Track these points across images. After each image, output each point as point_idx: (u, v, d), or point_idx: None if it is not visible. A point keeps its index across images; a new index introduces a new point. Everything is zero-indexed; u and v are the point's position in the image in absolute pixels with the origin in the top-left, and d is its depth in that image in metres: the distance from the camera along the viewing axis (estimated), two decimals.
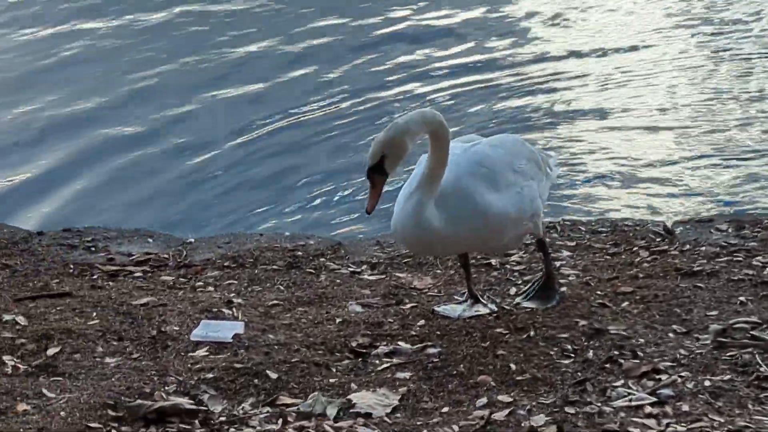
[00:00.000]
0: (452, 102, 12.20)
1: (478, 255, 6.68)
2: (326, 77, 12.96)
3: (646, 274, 6.50)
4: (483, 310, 5.86)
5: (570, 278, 6.55)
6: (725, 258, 6.63)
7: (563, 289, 6.35)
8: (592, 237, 7.17)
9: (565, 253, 6.93)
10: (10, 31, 15.33)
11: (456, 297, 6.24)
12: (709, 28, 14.66)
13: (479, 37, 14.63)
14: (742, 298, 6.03)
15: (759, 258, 6.59)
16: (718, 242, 6.89)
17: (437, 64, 13.74)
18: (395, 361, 5.54)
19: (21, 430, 4.86)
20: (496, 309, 5.90)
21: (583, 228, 7.35)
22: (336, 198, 9.11)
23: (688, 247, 6.87)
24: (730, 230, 7.10)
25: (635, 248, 6.92)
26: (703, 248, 6.81)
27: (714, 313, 5.85)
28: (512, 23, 15.30)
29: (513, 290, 6.44)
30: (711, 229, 7.17)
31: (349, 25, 15.51)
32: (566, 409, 4.91)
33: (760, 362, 5.20)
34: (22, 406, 5.11)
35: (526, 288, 6.11)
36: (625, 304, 6.08)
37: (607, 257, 6.84)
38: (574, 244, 7.08)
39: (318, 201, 9.13)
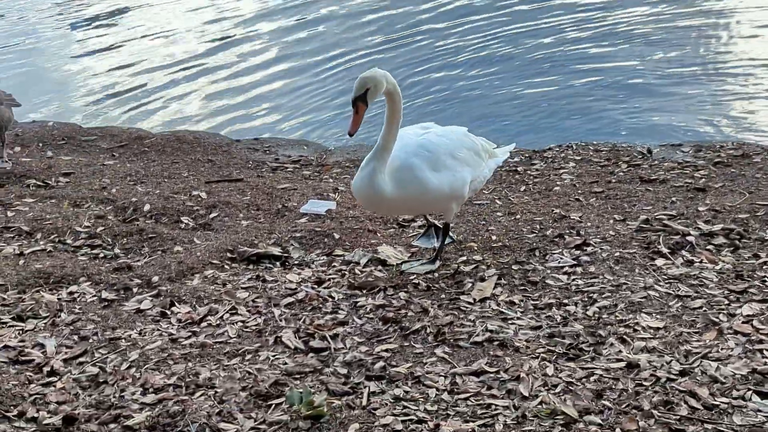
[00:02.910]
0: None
1: None
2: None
3: (617, 180, 6.67)
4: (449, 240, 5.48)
5: (564, 181, 6.76)
6: (677, 171, 6.74)
7: (556, 188, 6.58)
8: (594, 154, 7.33)
9: (571, 164, 7.12)
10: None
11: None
12: None
13: None
14: (674, 199, 6.14)
15: (701, 171, 6.67)
16: (677, 159, 6.98)
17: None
18: (421, 231, 5.90)
19: (169, 261, 5.51)
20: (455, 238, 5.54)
21: (591, 148, 7.51)
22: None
23: (656, 162, 6.97)
24: (690, 152, 7.14)
25: (620, 162, 7.07)
26: (666, 164, 6.92)
27: (649, 208, 6.01)
28: None
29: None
30: (678, 150, 7.20)
31: None
32: (513, 266, 5.22)
33: (660, 242, 5.37)
34: (177, 248, 5.79)
35: (412, 260, 5.46)
36: (593, 200, 6.30)
37: (598, 168, 7.01)
38: (579, 158, 7.26)
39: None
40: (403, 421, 3.76)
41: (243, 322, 4.74)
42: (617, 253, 5.27)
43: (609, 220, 5.83)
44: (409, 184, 4.88)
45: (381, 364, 4.20)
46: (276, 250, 5.65)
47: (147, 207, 6.53)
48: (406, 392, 3.97)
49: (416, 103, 9.70)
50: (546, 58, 10.47)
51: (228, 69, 11.50)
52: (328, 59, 11.34)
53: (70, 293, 5.18)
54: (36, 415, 3.95)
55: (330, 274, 5.31)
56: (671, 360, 4.07)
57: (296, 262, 5.53)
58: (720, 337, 4.26)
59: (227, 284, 5.22)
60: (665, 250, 5.25)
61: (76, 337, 4.63)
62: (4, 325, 4.78)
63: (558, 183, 6.70)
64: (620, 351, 4.19)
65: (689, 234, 5.42)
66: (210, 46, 12.57)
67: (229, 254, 5.64)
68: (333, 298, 4.97)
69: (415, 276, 5.18)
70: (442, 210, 5.23)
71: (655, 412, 3.68)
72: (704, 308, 4.55)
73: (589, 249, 5.36)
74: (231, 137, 8.85)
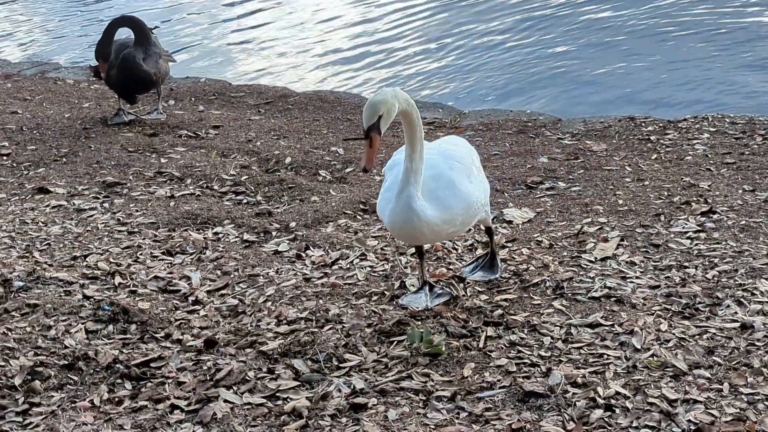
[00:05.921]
0: None
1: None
2: None
3: (751, 152, 6.59)
4: (444, 296, 4.60)
5: (697, 151, 6.71)
6: None
7: (688, 157, 6.55)
8: (729, 126, 7.21)
9: (705, 135, 7.05)
10: None
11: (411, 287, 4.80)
12: None
13: None
14: None
15: None
16: None
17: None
18: (548, 192, 6.01)
19: (306, 209, 5.83)
20: (454, 293, 4.63)
21: (728, 120, 7.37)
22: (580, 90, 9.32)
23: None
24: None
25: (755, 135, 6.95)
26: None
27: None
28: None
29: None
30: None
31: None
32: (636, 229, 5.28)
33: None
34: (314, 198, 6.16)
35: (471, 263, 4.92)
36: (724, 170, 6.26)
37: (732, 140, 6.92)
38: (714, 130, 7.16)
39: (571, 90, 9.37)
40: (516, 364, 3.94)
41: (371, 267, 5.00)
42: (743, 222, 5.28)
43: (738, 190, 5.80)
44: (454, 201, 4.26)
45: (499, 311, 4.39)
46: None
47: (288, 160, 6.87)
48: (522, 338, 4.15)
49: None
50: (684, 27, 10.33)
51: (370, 30, 11.79)
52: (466, 23, 11.47)
53: (215, 233, 5.56)
54: (180, 337, 4.32)
55: None
56: None
57: None
58: None
59: (358, 233, 5.49)
60: None
61: (219, 272, 5.00)
62: (155, 259, 5.20)
63: (690, 153, 6.67)
64: (736, 312, 4.25)
65: None
66: (356, 10, 12.90)
67: (361, 206, 5.92)
68: (457, 249, 5.17)
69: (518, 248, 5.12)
70: (482, 220, 4.67)
71: (764, 370, 3.75)
72: None
73: (715, 216, 5.37)
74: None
